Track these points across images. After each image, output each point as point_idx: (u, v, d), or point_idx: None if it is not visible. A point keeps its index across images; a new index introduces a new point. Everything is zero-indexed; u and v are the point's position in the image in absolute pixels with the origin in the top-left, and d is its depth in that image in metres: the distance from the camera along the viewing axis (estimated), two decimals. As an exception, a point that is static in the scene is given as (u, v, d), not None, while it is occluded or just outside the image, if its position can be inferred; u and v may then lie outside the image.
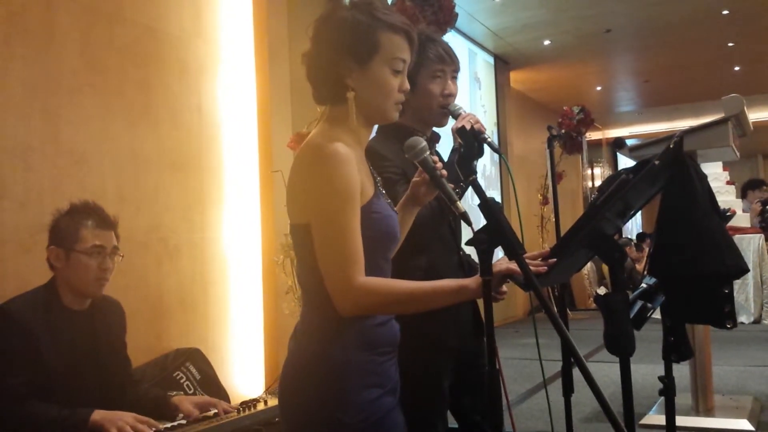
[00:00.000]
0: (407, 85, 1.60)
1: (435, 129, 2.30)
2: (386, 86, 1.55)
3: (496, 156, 9.57)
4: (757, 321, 7.76)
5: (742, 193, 8.40)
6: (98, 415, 2.24)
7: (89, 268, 2.37)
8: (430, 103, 2.19)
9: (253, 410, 2.55)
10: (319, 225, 1.46)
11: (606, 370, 4.72)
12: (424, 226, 2.02)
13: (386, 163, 2.05)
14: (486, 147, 2.13)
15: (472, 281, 1.46)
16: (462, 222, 1.66)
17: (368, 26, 1.53)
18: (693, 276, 1.94)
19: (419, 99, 2.18)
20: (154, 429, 2.29)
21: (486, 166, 8.75)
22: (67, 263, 2.37)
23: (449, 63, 2.20)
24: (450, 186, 1.59)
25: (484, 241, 1.42)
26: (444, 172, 1.61)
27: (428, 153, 1.60)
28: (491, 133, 8.25)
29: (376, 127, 1.70)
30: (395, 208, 1.69)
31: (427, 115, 2.22)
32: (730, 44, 9.60)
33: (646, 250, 9.34)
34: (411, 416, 2.17)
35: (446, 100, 2.19)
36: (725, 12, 8.20)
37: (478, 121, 2.12)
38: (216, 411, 2.52)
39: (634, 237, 12.85)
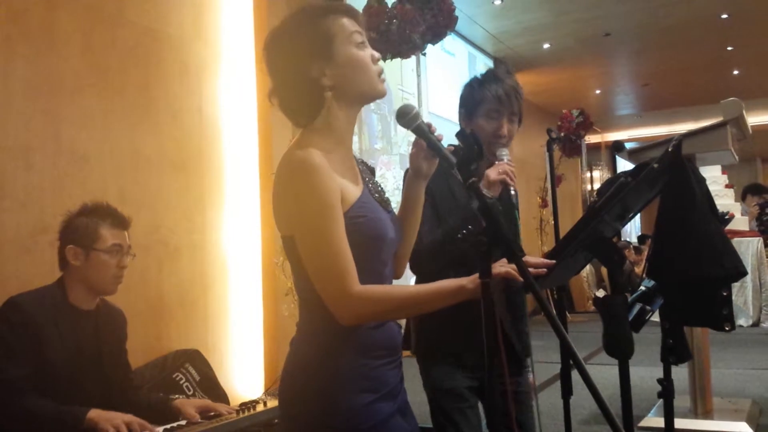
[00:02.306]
0: (377, 54, 1.57)
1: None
2: (359, 61, 1.52)
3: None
4: (756, 324, 7.77)
5: (742, 196, 8.41)
6: (94, 413, 2.24)
7: (109, 266, 2.42)
8: (482, 138, 2.20)
9: (252, 411, 2.55)
10: (302, 238, 1.45)
11: (605, 373, 4.71)
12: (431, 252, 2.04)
13: None
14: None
15: (469, 281, 1.44)
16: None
17: (311, 22, 1.52)
18: (691, 279, 1.94)
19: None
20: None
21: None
22: (87, 262, 2.41)
23: (506, 104, 2.23)
24: (449, 148, 1.56)
25: (483, 243, 1.42)
26: (440, 135, 1.58)
27: (421, 119, 1.56)
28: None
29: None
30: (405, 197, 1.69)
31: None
32: (729, 48, 9.62)
33: (645, 252, 9.34)
34: (433, 419, 2.19)
35: (497, 140, 2.22)
36: (724, 16, 8.21)
37: (505, 172, 2.12)
38: (217, 414, 2.53)
39: (632, 239, 12.87)
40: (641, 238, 11.09)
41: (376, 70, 1.55)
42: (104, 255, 2.42)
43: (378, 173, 6.22)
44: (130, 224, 2.55)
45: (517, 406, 2.20)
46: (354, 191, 1.51)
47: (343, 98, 1.53)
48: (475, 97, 2.28)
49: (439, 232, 2.07)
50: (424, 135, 1.57)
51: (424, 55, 5.21)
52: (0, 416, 2.24)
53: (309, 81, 1.50)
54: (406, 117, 1.56)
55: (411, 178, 1.71)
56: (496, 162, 2.17)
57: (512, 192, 2.12)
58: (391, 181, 5.89)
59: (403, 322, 2.27)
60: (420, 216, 1.74)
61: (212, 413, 2.53)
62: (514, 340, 2.24)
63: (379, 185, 1.66)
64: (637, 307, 1.93)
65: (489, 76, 2.30)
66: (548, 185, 2.81)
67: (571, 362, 2.20)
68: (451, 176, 2.12)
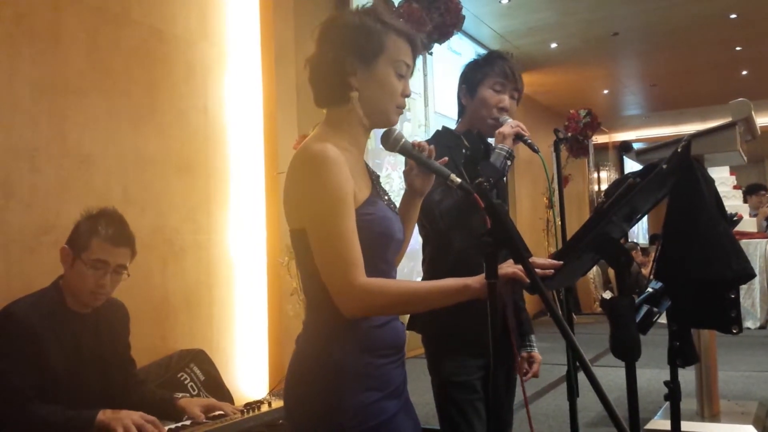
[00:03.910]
0: (409, 91, 1.61)
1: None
2: (390, 86, 1.57)
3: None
4: (763, 326, 7.72)
5: (744, 198, 8.37)
6: (104, 415, 2.24)
7: (86, 279, 2.34)
8: (482, 112, 2.30)
9: (257, 412, 2.55)
10: (313, 229, 1.47)
11: (611, 375, 4.70)
12: (448, 216, 2.07)
13: None
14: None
15: (475, 281, 1.45)
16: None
17: (374, 28, 1.56)
18: (699, 280, 1.93)
19: (475, 107, 2.32)
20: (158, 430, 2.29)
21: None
22: (71, 268, 2.37)
23: (511, 80, 2.30)
24: (442, 161, 1.58)
25: (489, 244, 1.41)
26: (431, 149, 1.60)
27: (405, 139, 1.59)
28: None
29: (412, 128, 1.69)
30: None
31: (478, 123, 2.32)
32: (738, 48, 9.58)
33: (652, 254, 9.31)
34: (443, 413, 2.19)
35: (499, 112, 2.27)
36: (733, 16, 8.18)
37: (518, 125, 2.20)
38: (222, 413, 2.52)
39: (640, 240, 12.83)
40: (653, 238, 11.05)
41: (398, 103, 1.60)
42: (84, 267, 2.33)
43: (384, 173, 6.24)
44: (133, 241, 2.45)
45: (508, 396, 2.32)
46: (364, 190, 1.55)
47: (362, 108, 1.57)
48: (480, 72, 2.33)
49: (449, 200, 2.11)
50: (411, 155, 1.62)
51: (431, 54, 5.20)
52: (9, 427, 2.23)
53: (340, 71, 1.55)
54: (389, 139, 1.61)
55: (406, 193, 1.75)
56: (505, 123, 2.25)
57: (528, 141, 2.19)
58: (397, 182, 5.89)
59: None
60: (412, 230, 1.78)
61: (217, 412, 2.53)
62: (515, 333, 2.28)
63: (386, 191, 1.70)
64: (645, 308, 1.92)
65: (495, 54, 2.38)
66: (555, 186, 2.80)
67: (578, 364, 2.19)
68: (455, 152, 2.16)
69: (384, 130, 1.61)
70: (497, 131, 2.20)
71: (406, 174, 1.71)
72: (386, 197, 1.64)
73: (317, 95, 1.62)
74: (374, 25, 1.56)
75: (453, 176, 1.53)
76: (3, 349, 2.26)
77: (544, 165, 2.27)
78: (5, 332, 2.27)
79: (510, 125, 2.20)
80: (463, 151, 2.24)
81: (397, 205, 1.72)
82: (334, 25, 1.59)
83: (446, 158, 1.66)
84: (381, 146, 5.73)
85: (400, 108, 1.60)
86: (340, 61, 1.54)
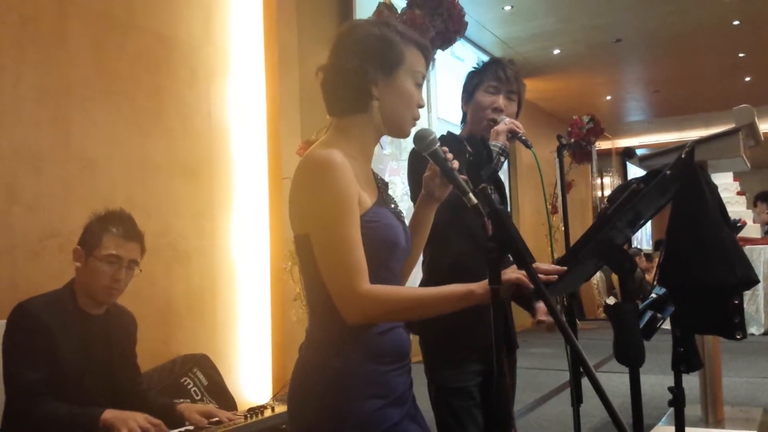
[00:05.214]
0: (423, 101, 1.63)
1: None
2: (409, 96, 1.59)
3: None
4: (767, 332, 7.72)
5: (753, 203, 8.37)
6: (109, 413, 2.26)
7: (102, 275, 2.39)
8: (479, 114, 2.36)
9: (260, 417, 2.55)
10: (317, 235, 1.47)
11: (615, 381, 4.69)
12: (441, 215, 2.07)
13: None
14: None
15: (478, 286, 1.44)
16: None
17: (395, 39, 1.58)
18: (703, 286, 1.93)
19: (472, 110, 2.39)
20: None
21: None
22: (85, 266, 2.41)
23: (504, 82, 2.36)
24: (462, 177, 1.57)
25: (492, 249, 1.41)
26: (456, 164, 1.59)
27: (438, 145, 1.59)
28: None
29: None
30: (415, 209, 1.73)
31: (477, 126, 2.36)
32: (741, 55, 9.58)
33: (656, 260, 9.29)
34: (439, 418, 2.19)
35: (494, 113, 2.32)
36: (736, 22, 8.19)
37: (512, 122, 2.26)
38: (220, 419, 2.53)
39: (643, 246, 12.80)
40: (656, 244, 11.03)
41: (414, 114, 1.62)
42: (99, 263, 2.38)
43: (386, 179, 6.24)
44: (142, 236, 2.51)
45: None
46: (370, 198, 1.54)
47: (381, 115, 1.58)
48: (476, 78, 2.40)
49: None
50: (439, 161, 1.60)
51: (434, 60, 5.20)
52: (19, 420, 2.26)
53: (362, 80, 1.56)
54: (424, 141, 1.59)
55: (423, 198, 1.74)
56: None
57: (522, 137, 2.24)
58: (400, 187, 5.89)
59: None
60: (426, 238, 1.78)
61: (215, 419, 2.53)
62: (513, 336, 2.31)
63: (393, 198, 1.69)
64: (648, 314, 1.92)
65: (491, 61, 2.44)
66: (558, 192, 2.80)
67: (582, 370, 2.18)
68: (458, 157, 2.17)
69: (418, 130, 1.61)
70: (492, 129, 2.25)
71: (427, 179, 1.71)
72: (393, 205, 1.64)
73: (333, 103, 1.61)
74: (394, 36, 1.58)
75: (471, 195, 1.52)
76: (17, 342, 2.29)
77: (537, 161, 2.27)
78: (19, 326, 2.31)
79: (504, 122, 2.25)
80: (467, 156, 2.25)
81: (404, 213, 1.71)
82: (354, 35, 1.60)
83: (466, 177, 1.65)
84: (384, 152, 5.74)
85: (416, 119, 1.62)
86: (363, 70, 1.55)
